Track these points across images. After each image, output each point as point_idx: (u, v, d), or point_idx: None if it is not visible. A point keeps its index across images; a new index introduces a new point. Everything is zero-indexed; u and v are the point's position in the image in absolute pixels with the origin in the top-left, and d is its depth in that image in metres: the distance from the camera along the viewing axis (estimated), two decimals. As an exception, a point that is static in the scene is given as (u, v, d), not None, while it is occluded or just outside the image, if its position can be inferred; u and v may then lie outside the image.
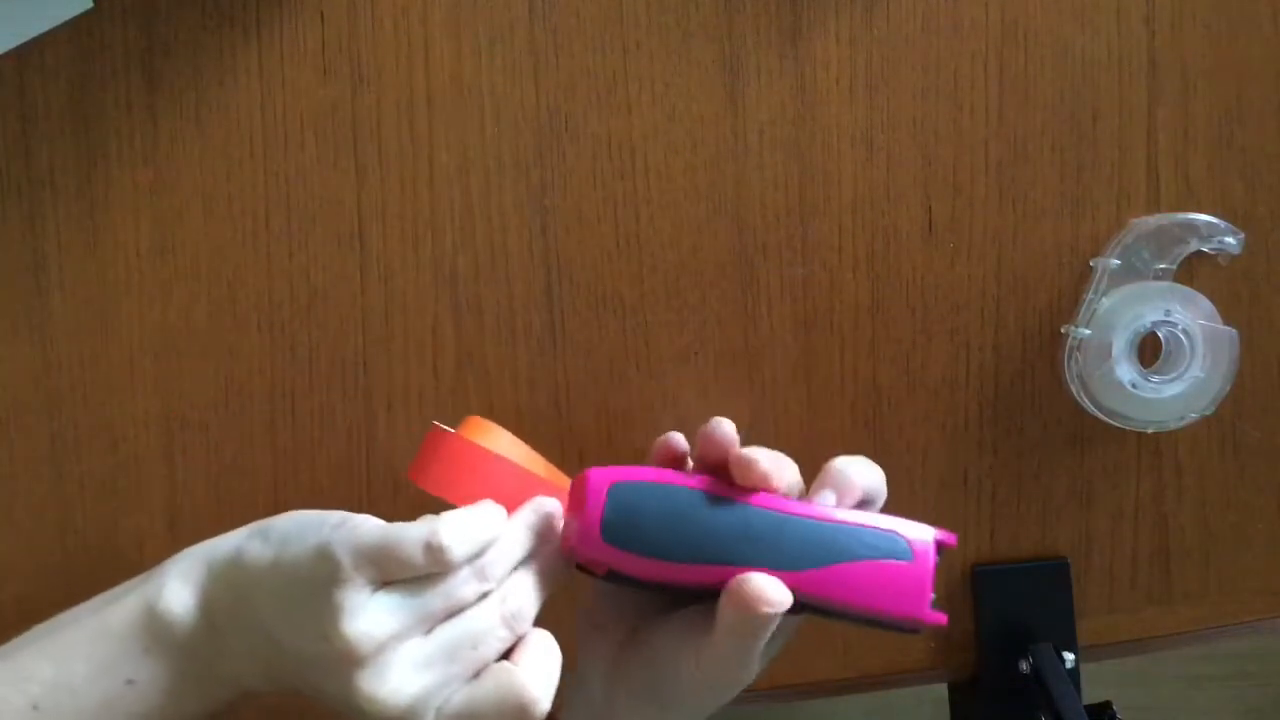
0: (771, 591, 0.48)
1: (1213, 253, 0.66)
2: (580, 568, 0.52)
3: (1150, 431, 0.66)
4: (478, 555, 0.49)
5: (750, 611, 0.48)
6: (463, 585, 0.48)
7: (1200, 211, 0.66)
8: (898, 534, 0.51)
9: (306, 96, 0.63)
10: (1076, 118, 0.66)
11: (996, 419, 0.67)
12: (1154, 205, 0.67)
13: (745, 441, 0.55)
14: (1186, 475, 0.69)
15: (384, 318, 0.64)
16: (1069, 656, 0.67)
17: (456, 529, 0.48)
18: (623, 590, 0.54)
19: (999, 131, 0.66)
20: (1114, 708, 0.68)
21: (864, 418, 0.66)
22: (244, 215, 0.63)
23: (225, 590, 0.51)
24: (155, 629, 0.51)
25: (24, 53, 0.61)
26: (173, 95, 0.62)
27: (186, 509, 0.64)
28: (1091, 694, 0.67)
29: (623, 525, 0.50)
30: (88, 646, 0.51)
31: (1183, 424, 0.65)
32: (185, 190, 0.63)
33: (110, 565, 0.64)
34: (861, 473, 0.53)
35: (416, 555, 0.47)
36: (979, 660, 0.68)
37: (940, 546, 0.52)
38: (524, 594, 0.50)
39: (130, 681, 0.50)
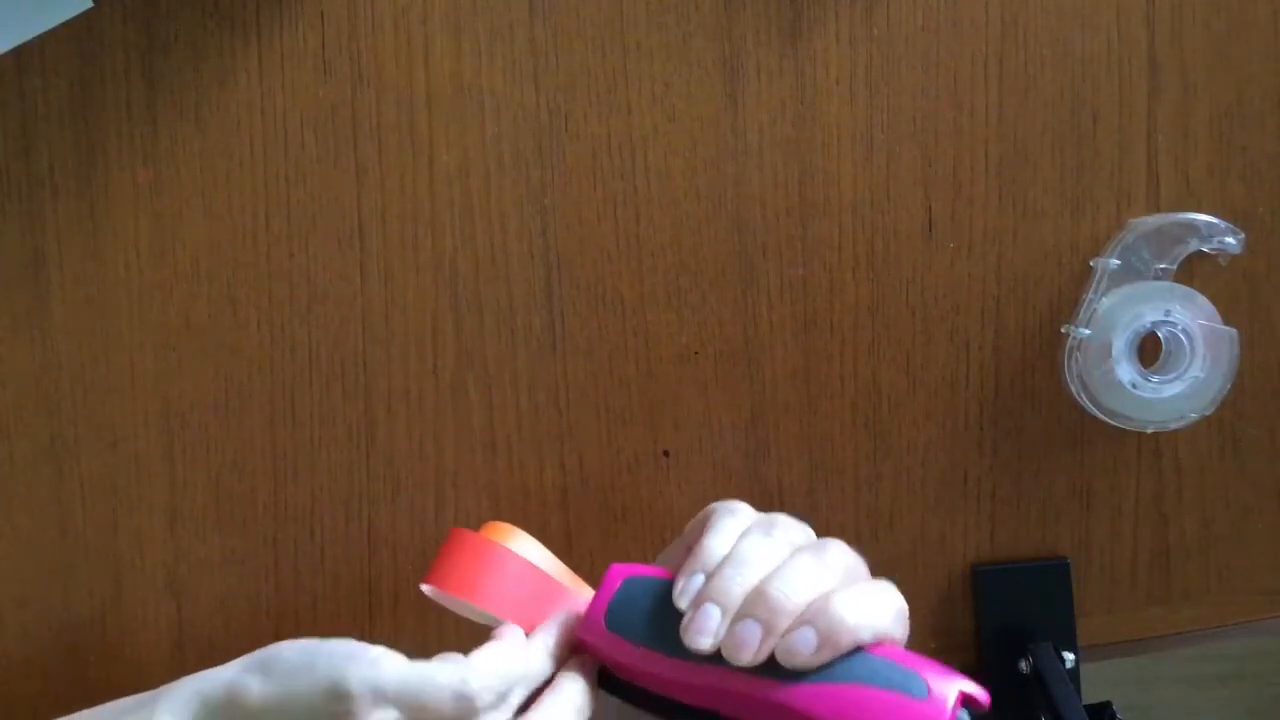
0: None
1: (1213, 253, 0.66)
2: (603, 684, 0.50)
3: (1150, 431, 0.66)
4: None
5: None
6: None
7: (1200, 211, 0.66)
8: (917, 672, 0.46)
9: (306, 96, 0.63)
10: (1076, 118, 0.66)
11: (996, 419, 0.67)
12: (1154, 205, 0.67)
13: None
14: (1186, 475, 0.69)
15: (384, 318, 0.64)
16: (1069, 656, 0.67)
17: (487, 676, 0.46)
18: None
19: (999, 131, 0.66)
20: (1114, 708, 0.68)
21: (864, 418, 0.66)
22: (244, 215, 0.63)
23: None
24: None
25: (24, 53, 0.61)
26: (173, 95, 0.62)
27: (186, 509, 0.64)
28: (1091, 694, 0.67)
29: (627, 614, 0.49)
30: None
31: (1183, 424, 0.65)
32: (185, 190, 0.63)
33: (110, 565, 0.64)
34: (862, 613, 0.46)
35: (445, 704, 0.45)
36: (979, 660, 0.68)
37: (968, 701, 0.46)
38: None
39: None
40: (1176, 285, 0.65)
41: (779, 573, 0.47)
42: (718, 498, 0.66)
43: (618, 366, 0.65)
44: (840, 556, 0.48)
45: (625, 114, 0.64)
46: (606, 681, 0.50)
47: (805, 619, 0.46)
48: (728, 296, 0.65)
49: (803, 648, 0.45)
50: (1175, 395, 0.65)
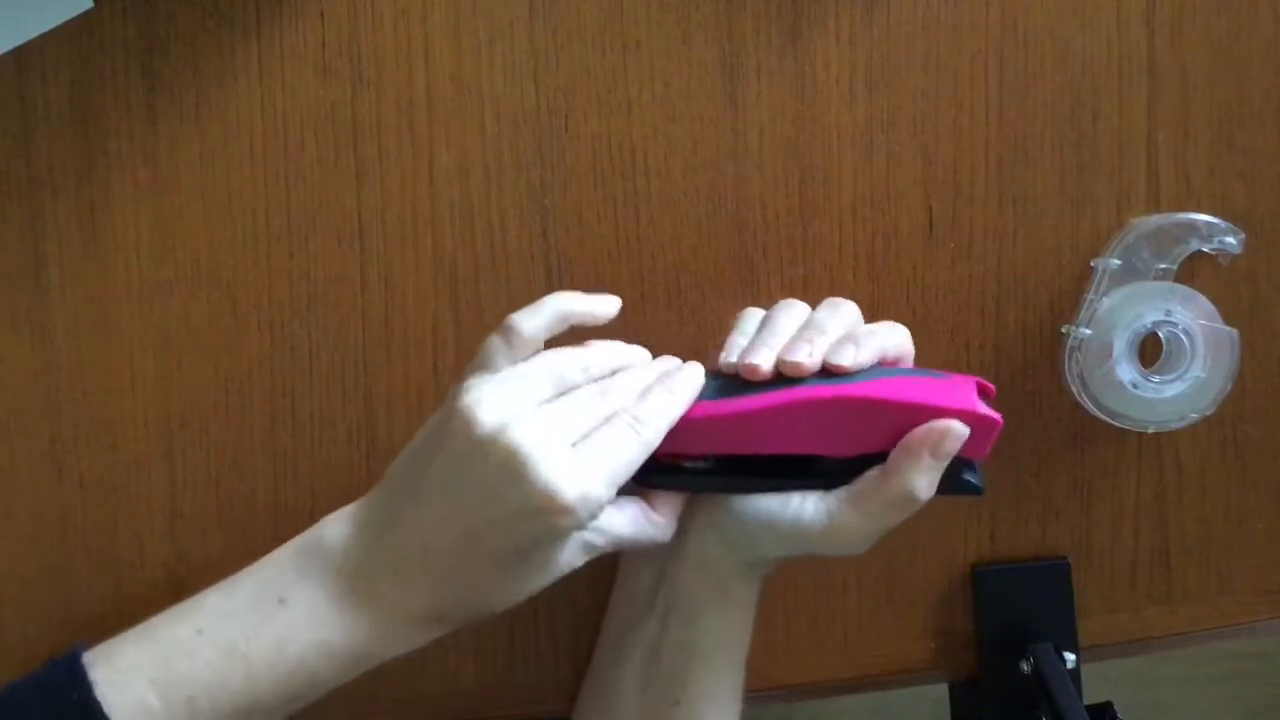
0: (957, 427, 0.53)
1: (1213, 253, 0.66)
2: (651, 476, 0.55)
3: (1150, 431, 0.66)
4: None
5: (941, 438, 0.53)
6: (559, 359, 0.54)
7: (1200, 211, 0.66)
8: (937, 372, 0.56)
9: (306, 96, 0.63)
10: (1076, 118, 0.66)
11: (996, 419, 0.67)
12: (1154, 205, 0.67)
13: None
14: (1186, 475, 0.69)
15: (384, 318, 0.64)
16: (1069, 656, 0.67)
17: (522, 313, 0.55)
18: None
19: (999, 131, 0.66)
20: (1114, 708, 0.68)
21: (864, 418, 0.66)
22: (244, 215, 0.63)
23: (382, 502, 0.55)
24: (311, 552, 0.53)
25: (24, 53, 0.61)
26: (173, 95, 0.62)
27: (186, 509, 0.64)
28: (1091, 694, 0.67)
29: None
30: (253, 575, 0.54)
31: (1183, 424, 0.65)
32: (185, 190, 0.63)
33: (110, 565, 0.64)
34: (884, 333, 0.57)
35: (494, 339, 0.54)
36: (979, 660, 0.68)
37: (981, 387, 0.55)
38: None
39: (282, 601, 0.52)
40: (1177, 285, 0.65)
41: (811, 317, 0.57)
42: (718, 498, 0.66)
43: (618, 366, 0.65)
44: (853, 306, 0.58)
45: (625, 114, 0.64)
46: (663, 474, 0.56)
47: (844, 338, 0.55)
48: (728, 296, 0.65)
49: (848, 351, 0.54)
50: (1175, 395, 0.65)
